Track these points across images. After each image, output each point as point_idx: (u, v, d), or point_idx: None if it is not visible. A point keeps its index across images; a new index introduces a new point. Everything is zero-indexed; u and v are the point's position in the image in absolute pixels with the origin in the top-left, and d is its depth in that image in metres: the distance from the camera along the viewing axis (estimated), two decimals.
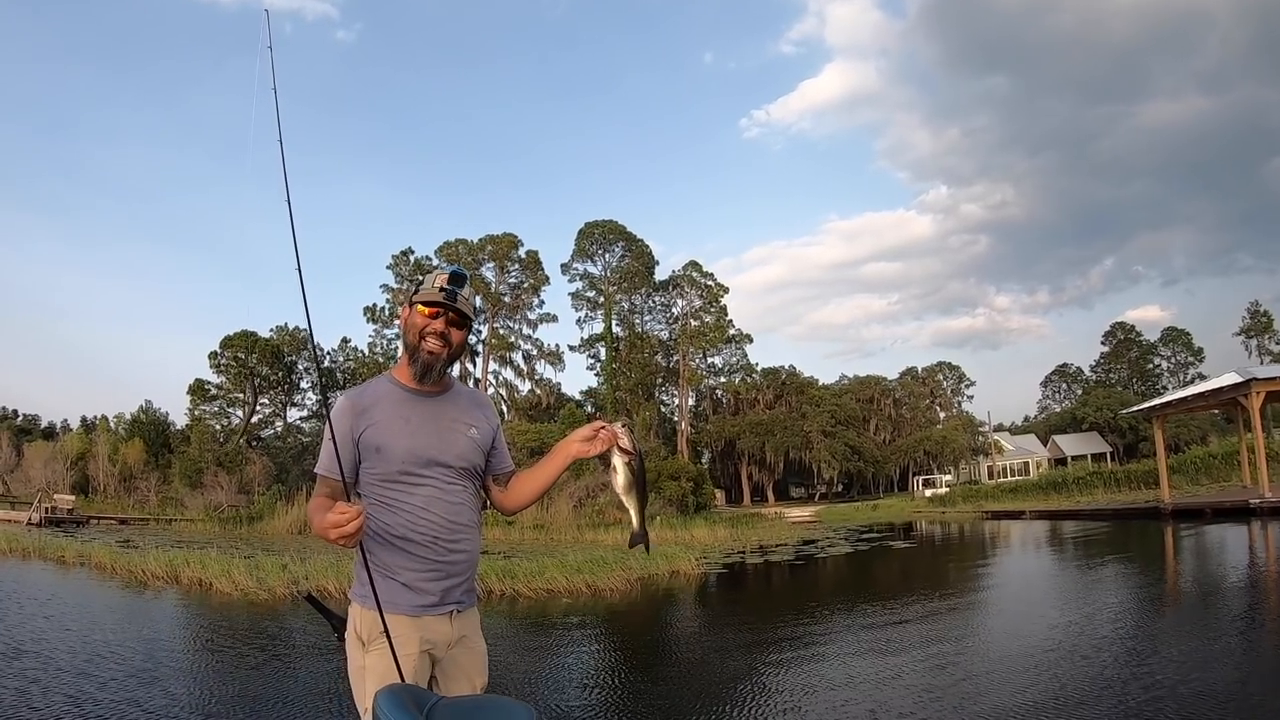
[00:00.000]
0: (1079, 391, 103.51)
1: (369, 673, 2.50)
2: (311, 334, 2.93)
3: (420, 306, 2.69)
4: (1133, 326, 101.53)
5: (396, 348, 65.15)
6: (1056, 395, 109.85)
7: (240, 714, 6.76)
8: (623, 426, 2.73)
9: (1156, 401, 34.45)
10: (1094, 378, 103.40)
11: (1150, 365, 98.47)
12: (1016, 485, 55.16)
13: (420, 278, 3.38)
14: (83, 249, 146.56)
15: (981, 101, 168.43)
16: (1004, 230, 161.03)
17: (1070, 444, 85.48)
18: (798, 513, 56.41)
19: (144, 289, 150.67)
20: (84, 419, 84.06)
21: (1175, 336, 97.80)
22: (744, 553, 25.85)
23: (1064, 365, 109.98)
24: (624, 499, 2.77)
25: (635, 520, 2.80)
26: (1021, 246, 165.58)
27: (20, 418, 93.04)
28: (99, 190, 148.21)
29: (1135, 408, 44.37)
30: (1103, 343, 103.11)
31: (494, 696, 2.18)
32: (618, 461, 2.70)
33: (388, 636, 2.45)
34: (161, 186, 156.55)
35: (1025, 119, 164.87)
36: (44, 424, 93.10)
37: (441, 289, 2.68)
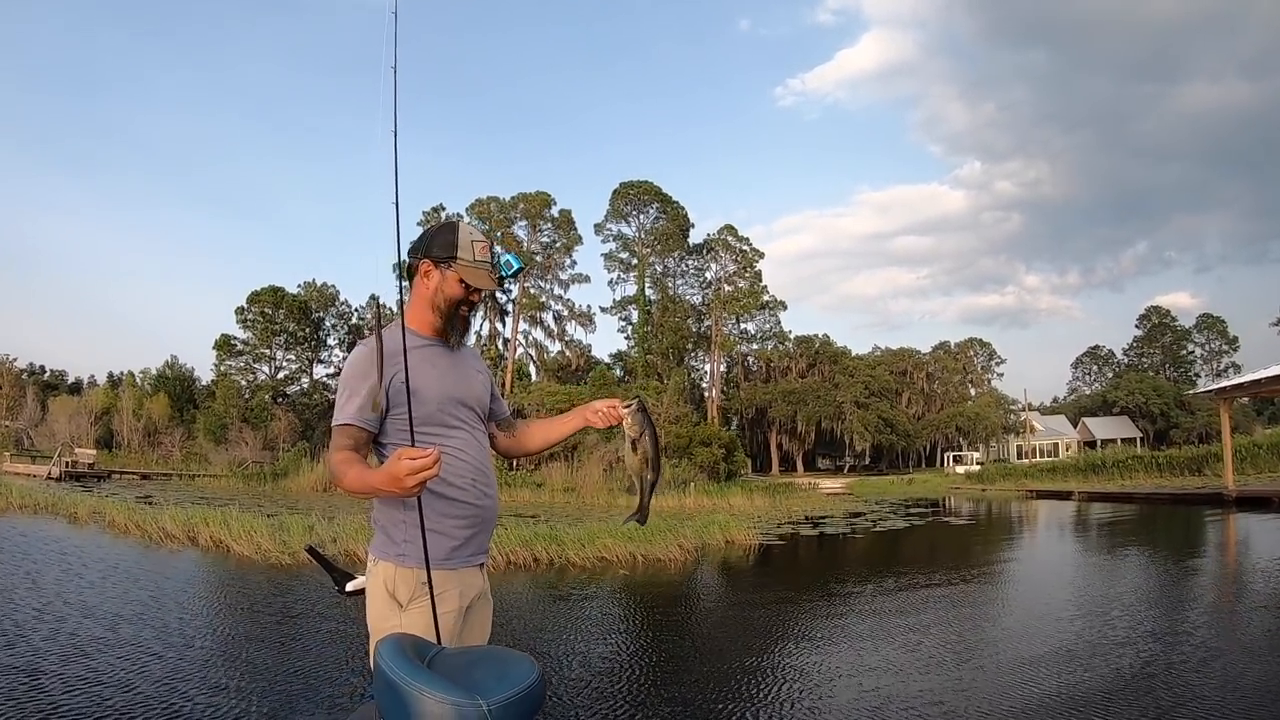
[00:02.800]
0: (1110, 374, 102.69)
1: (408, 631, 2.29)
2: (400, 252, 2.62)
3: (461, 279, 2.59)
4: (1168, 311, 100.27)
5: None
6: (1087, 377, 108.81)
7: (252, 686, 6.43)
8: (634, 409, 2.75)
9: (1226, 383, 32.87)
10: (1126, 361, 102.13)
11: (1184, 351, 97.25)
12: (1054, 465, 53.97)
13: (454, 221, 3.04)
14: (114, 208, 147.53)
15: (1019, 76, 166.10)
16: (1037, 208, 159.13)
17: (1100, 427, 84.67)
18: (829, 484, 54.99)
19: (173, 247, 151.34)
20: (110, 375, 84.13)
21: (1210, 324, 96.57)
22: (794, 523, 24.73)
23: (1095, 347, 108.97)
24: (633, 478, 2.84)
25: (640, 499, 2.85)
26: (1054, 226, 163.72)
27: (47, 373, 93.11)
28: (131, 151, 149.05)
29: (1205, 388, 42.94)
30: (1136, 326, 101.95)
31: (496, 648, 1.96)
32: (628, 442, 2.75)
33: (431, 594, 2.41)
34: (194, 147, 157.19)
35: (1063, 96, 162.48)
36: (70, 380, 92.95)
37: (490, 267, 2.66)
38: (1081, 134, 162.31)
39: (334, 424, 2.49)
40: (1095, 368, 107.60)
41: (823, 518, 27.28)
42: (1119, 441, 76.73)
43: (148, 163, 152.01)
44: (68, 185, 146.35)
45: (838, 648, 8.36)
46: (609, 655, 8.10)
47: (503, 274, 2.72)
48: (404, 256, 2.65)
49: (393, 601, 2.48)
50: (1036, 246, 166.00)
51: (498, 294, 61.81)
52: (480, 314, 61.90)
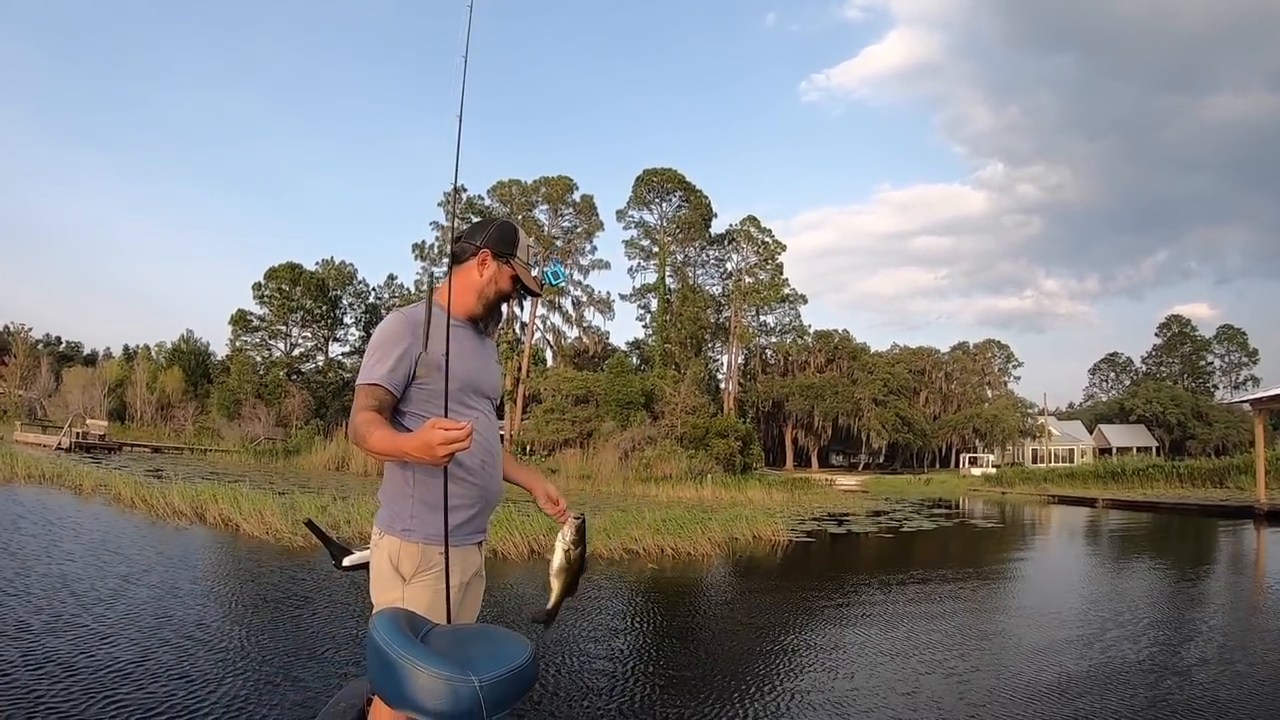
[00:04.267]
0: (1127, 382, 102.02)
1: (409, 605, 2.39)
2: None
3: (511, 272, 2.71)
4: (1188, 320, 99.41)
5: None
6: (1104, 384, 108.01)
7: (257, 674, 6.15)
8: (579, 524, 2.74)
9: (1265, 393, 31.88)
10: (1144, 369, 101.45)
11: (1203, 362, 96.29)
12: (1072, 471, 52.96)
13: (513, 222, 2.92)
14: (134, 184, 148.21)
15: (1045, 81, 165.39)
16: (1058, 213, 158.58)
17: (1117, 435, 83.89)
18: (845, 481, 54.29)
19: (192, 222, 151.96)
20: (126, 348, 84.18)
21: (1230, 335, 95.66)
22: (817, 519, 24.02)
23: (1114, 354, 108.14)
24: (551, 579, 2.74)
25: (552, 601, 2.75)
26: (1074, 231, 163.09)
27: (63, 344, 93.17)
28: (151, 127, 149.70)
29: (1246, 397, 42.29)
30: (1156, 335, 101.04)
31: (490, 626, 2.08)
32: (560, 546, 2.71)
33: (446, 570, 2.50)
34: (214, 125, 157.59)
35: (1088, 102, 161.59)
36: (86, 351, 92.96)
37: (539, 275, 2.84)
38: (1105, 141, 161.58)
39: (360, 383, 2.49)
40: (1113, 375, 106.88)
41: (845, 515, 26.66)
42: (1134, 450, 76.23)
43: (169, 139, 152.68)
44: (89, 159, 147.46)
45: (881, 651, 7.95)
46: (643, 650, 7.79)
47: (546, 280, 2.86)
48: (443, 242, 3.00)
49: (396, 575, 2.52)
50: (1056, 251, 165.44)
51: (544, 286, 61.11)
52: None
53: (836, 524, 23.19)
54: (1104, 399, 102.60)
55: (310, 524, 3.10)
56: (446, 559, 2.47)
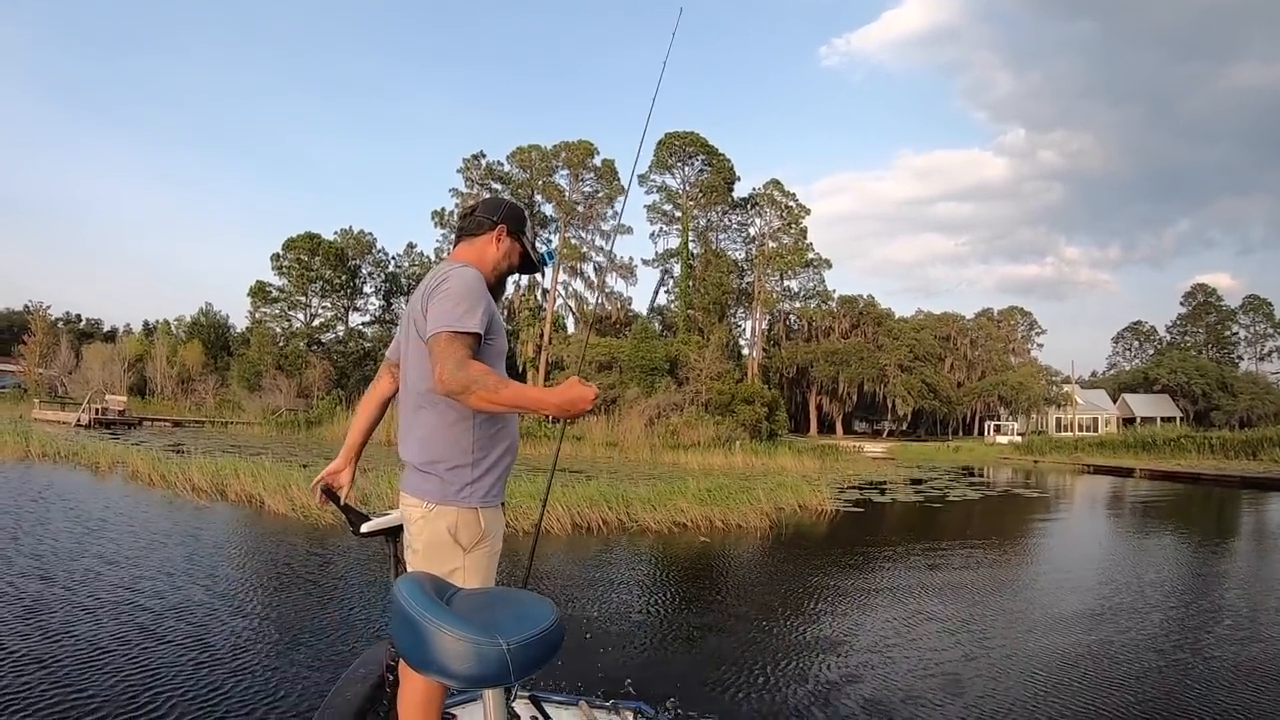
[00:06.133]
0: (1151, 351, 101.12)
1: (469, 574, 2.49)
2: None
3: (520, 249, 2.86)
4: (1214, 290, 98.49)
5: None
6: (1128, 353, 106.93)
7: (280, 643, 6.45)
8: None
9: None
10: (1168, 338, 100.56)
11: (1228, 332, 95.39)
12: (1102, 440, 52.55)
13: (521, 213, 2.90)
14: (150, 161, 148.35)
15: (1067, 47, 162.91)
16: (1080, 181, 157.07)
17: (1141, 404, 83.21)
18: (872, 448, 53.60)
19: (209, 196, 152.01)
20: (146, 323, 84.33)
21: (1256, 305, 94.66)
22: (857, 488, 23.36)
23: (1138, 323, 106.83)
24: None
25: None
26: (1096, 199, 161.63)
27: (83, 322, 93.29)
28: (166, 102, 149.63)
29: None
30: (1181, 304, 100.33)
31: (514, 590, 2.06)
32: None
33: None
34: (228, 97, 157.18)
35: (1111, 69, 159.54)
36: (106, 328, 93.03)
37: (541, 259, 3.01)
38: (1128, 109, 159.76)
39: (458, 330, 2.36)
40: (1137, 343, 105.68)
41: (883, 483, 26.17)
42: (1159, 420, 75.74)
43: (183, 114, 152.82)
44: (103, 138, 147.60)
45: (966, 623, 7.86)
46: (724, 629, 7.59)
47: (545, 261, 3.03)
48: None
49: (456, 547, 2.50)
50: (1077, 219, 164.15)
51: (537, 244, 59.77)
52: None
53: (879, 492, 22.78)
54: (1128, 368, 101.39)
55: (326, 490, 2.98)
56: (539, 526, 2.94)
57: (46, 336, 63.14)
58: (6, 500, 13.08)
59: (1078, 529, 17.38)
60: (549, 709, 3.07)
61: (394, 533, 2.82)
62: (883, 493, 22.67)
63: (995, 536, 15.08)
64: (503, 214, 2.81)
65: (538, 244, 2.99)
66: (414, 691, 2.37)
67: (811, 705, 5.53)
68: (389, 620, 1.67)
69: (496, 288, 2.79)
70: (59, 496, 13.93)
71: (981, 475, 33.51)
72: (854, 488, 23.51)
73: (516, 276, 3.27)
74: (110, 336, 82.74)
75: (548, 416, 2.58)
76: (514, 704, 2.93)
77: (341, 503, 2.94)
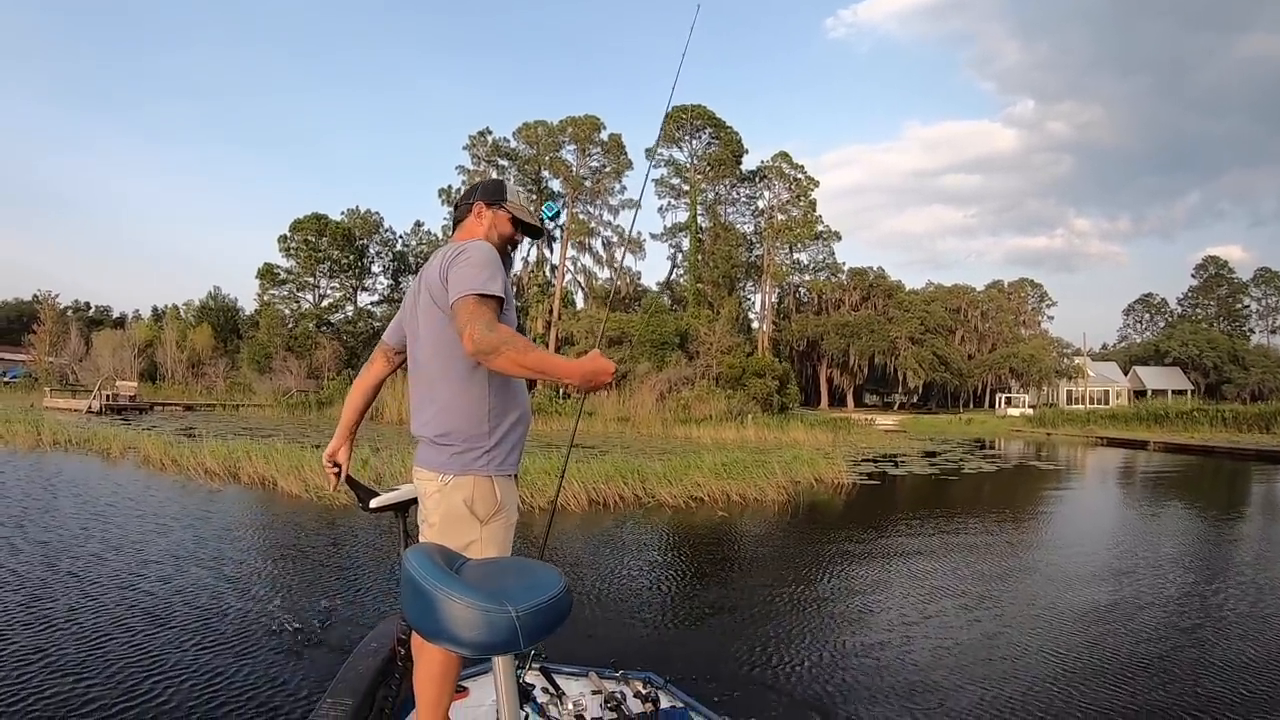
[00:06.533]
0: (1161, 324, 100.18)
1: (486, 546, 2.51)
2: None
3: (506, 215, 2.88)
4: (1225, 262, 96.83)
5: None
6: (1138, 325, 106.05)
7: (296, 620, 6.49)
8: None
9: None
10: (1179, 311, 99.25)
11: (1240, 305, 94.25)
12: (1114, 413, 52.73)
13: (500, 177, 2.18)
14: (154, 146, 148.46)
15: (1076, 17, 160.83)
16: (1089, 152, 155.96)
17: (1152, 377, 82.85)
18: (883, 420, 53.33)
19: (216, 181, 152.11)
20: (155, 309, 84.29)
21: (1269, 278, 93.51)
22: (873, 461, 23.23)
23: (1148, 295, 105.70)
24: None
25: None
26: (1106, 171, 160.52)
27: (92, 310, 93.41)
28: (168, 87, 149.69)
29: None
30: (1192, 276, 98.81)
31: (522, 559, 2.05)
32: None
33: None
34: (230, 82, 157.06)
35: (1121, 39, 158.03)
36: (115, 315, 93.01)
37: (542, 221, 3.02)
38: (1138, 80, 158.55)
39: (483, 293, 2.38)
40: (1148, 316, 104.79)
41: (897, 456, 26.11)
42: (1170, 393, 75.54)
43: (185, 99, 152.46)
44: (107, 124, 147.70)
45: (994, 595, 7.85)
46: (742, 604, 7.47)
47: (544, 216, 3.03)
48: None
49: (473, 518, 2.52)
50: (1087, 190, 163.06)
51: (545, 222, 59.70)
52: (527, 240, 59.89)
53: (893, 465, 22.74)
54: (1139, 341, 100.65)
55: (335, 465, 2.99)
56: (558, 497, 3.40)
57: (56, 325, 63.01)
58: (15, 489, 12.97)
59: (1094, 502, 17.22)
60: (559, 680, 3.12)
61: (403, 508, 2.88)
62: (897, 465, 22.59)
63: (1012, 509, 14.97)
64: (478, 193, 2.90)
65: (532, 206, 3.01)
66: (430, 663, 2.46)
67: (828, 680, 5.44)
68: (399, 593, 1.69)
69: (503, 261, 2.74)
70: (68, 484, 13.84)
71: (994, 448, 33.37)
72: (868, 460, 23.39)
73: (526, 252, 3.42)
74: (120, 323, 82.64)
75: (564, 390, 2.57)
76: (525, 675, 2.95)
77: (350, 479, 2.98)
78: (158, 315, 78.20)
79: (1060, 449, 34.14)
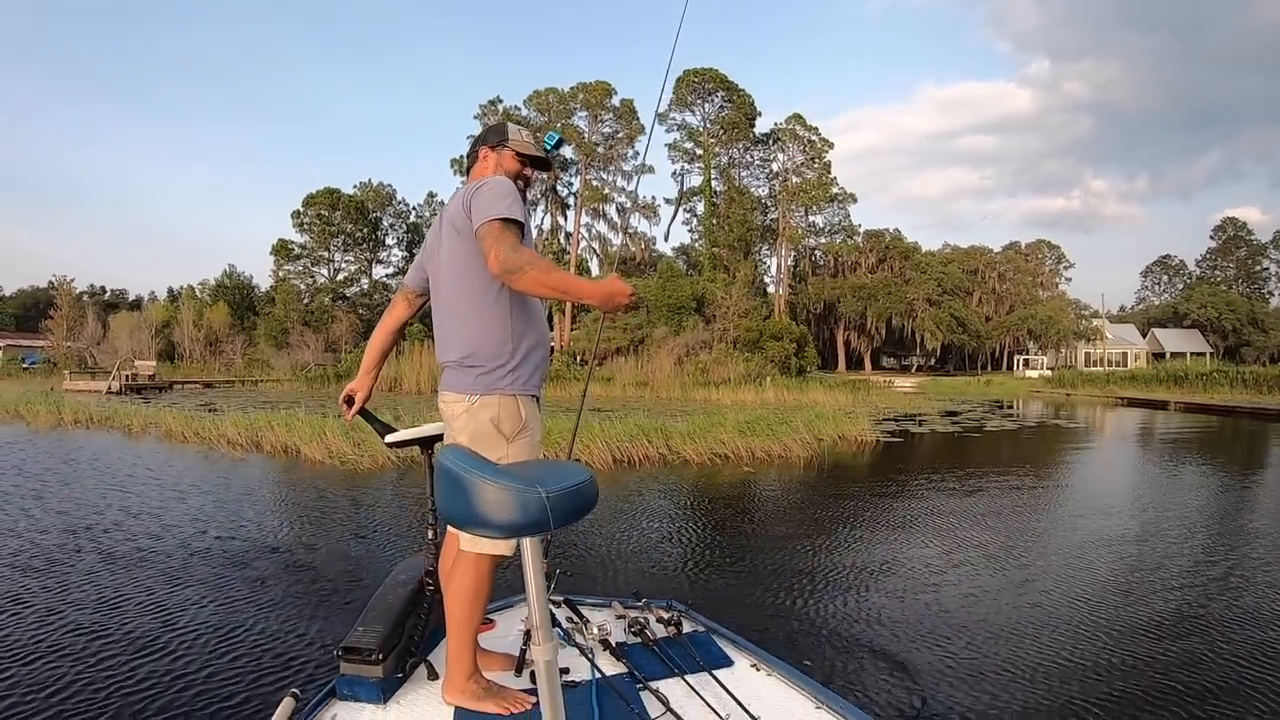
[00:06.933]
0: (1180, 286, 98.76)
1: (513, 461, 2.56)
2: None
3: (510, 153, 2.93)
4: (1244, 224, 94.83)
5: None
6: (1156, 287, 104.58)
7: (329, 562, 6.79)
8: None
9: None
10: (1198, 273, 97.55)
11: (1259, 267, 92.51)
12: (1134, 374, 51.55)
13: (498, 127, 3.01)
14: (163, 129, 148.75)
15: None
16: (1107, 112, 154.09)
17: (1170, 339, 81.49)
18: (902, 382, 53.05)
19: (227, 160, 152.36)
20: (170, 290, 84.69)
21: None
22: (894, 420, 23.06)
23: (1166, 257, 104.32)
24: None
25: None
26: (1124, 131, 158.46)
27: (108, 293, 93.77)
28: (174, 70, 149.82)
29: None
30: (1211, 237, 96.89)
31: (550, 459, 2.18)
32: None
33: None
34: (235, 60, 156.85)
35: None
36: (131, 297, 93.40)
37: (546, 151, 3.03)
38: (1158, 38, 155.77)
39: (506, 217, 2.46)
40: (1165, 278, 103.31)
41: (917, 415, 25.97)
42: (1188, 355, 73.89)
43: (194, 81, 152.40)
44: (117, 109, 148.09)
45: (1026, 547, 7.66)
46: (769, 553, 7.36)
47: (546, 146, 3.01)
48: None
49: (499, 436, 2.59)
50: (1105, 151, 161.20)
51: (558, 187, 60.36)
52: (541, 208, 60.28)
53: (916, 424, 22.56)
54: (1156, 303, 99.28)
55: (348, 401, 3.10)
56: (582, 410, 3.32)
57: (72, 310, 63.25)
58: (35, 464, 12.96)
59: (1116, 459, 16.97)
60: (584, 610, 3.26)
61: (427, 443, 2.99)
62: (919, 424, 22.43)
63: (1035, 465, 14.73)
64: (479, 140, 3.02)
65: (531, 139, 3.04)
66: (461, 583, 2.55)
67: (855, 621, 5.39)
68: (435, 489, 1.72)
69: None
70: (89, 458, 13.81)
71: (1013, 408, 33.12)
72: (890, 419, 23.24)
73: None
74: (136, 305, 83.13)
75: (576, 358, 2.50)
76: (551, 607, 2.99)
77: (365, 412, 3.11)
78: (173, 296, 78.49)
79: (1080, 409, 33.81)
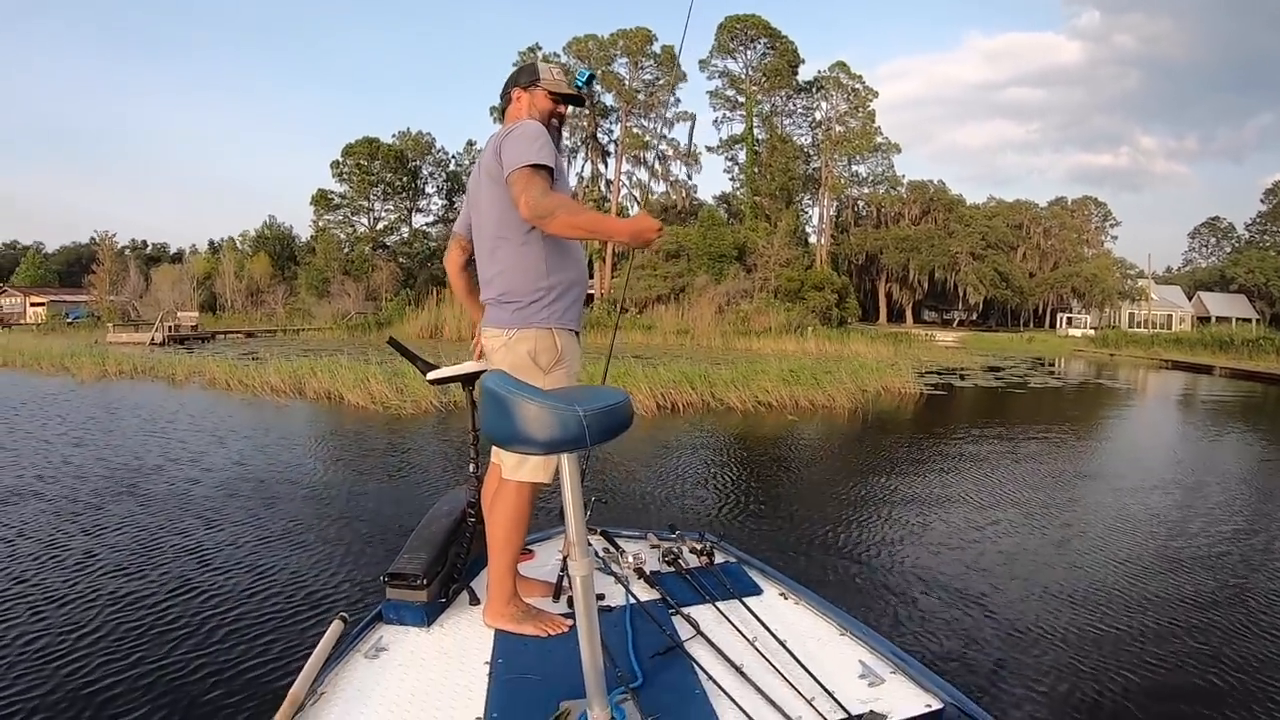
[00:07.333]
0: (1228, 249, 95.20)
1: None
2: None
3: (543, 92, 2.96)
4: None
5: None
6: (1204, 249, 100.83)
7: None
8: None
9: None
10: (1247, 236, 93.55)
11: None
12: (1179, 337, 50.21)
13: (529, 68, 3.06)
14: (203, 82, 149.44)
15: None
16: (1158, 67, 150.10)
17: (1216, 303, 78.89)
18: (943, 336, 52.33)
19: (266, 111, 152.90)
20: (211, 242, 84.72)
21: None
22: (936, 373, 22.81)
23: (1215, 219, 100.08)
24: None
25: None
26: (1174, 87, 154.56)
27: (149, 247, 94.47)
28: (216, 25, 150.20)
29: None
30: (1262, 201, 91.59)
31: (588, 385, 2.18)
32: None
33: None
34: (279, 15, 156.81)
35: None
36: (173, 250, 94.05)
37: (578, 89, 3.05)
38: None
39: (536, 163, 2.53)
40: (1214, 240, 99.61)
41: (959, 369, 25.69)
42: (1234, 321, 71.50)
43: (230, 32, 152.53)
44: (157, 64, 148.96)
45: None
46: (813, 499, 7.34)
47: (578, 84, 3.06)
48: None
49: (536, 368, 2.70)
50: (1154, 108, 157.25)
51: (599, 135, 59.49)
52: (581, 155, 59.64)
53: (959, 378, 22.29)
54: (1204, 265, 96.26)
55: (393, 341, 3.35)
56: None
57: (114, 264, 63.77)
58: (78, 413, 12.96)
59: (1160, 420, 16.51)
60: (619, 541, 3.38)
61: (469, 380, 3.11)
62: (962, 379, 22.15)
63: (1077, 423, 14.41)
64: (510, 81, 3.05)
65: (562, 76, 3.07)
66: (503, 506, 2.66)
67: (891, 568, 5.35)
68: (479, 417, 1.88)
69: (552, 137, 2.85)
70: (131, 407, 13.82)
71: (1055, 366, 32.33)
72: (932, 373, 22.98)
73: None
74: (177, 258, 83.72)
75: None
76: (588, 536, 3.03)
77: (408, 353, 3.33)
78: (214, 248, 78.84)
79: (1124, 370, 33.01)
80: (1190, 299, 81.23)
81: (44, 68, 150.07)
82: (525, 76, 3.01)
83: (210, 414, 12.55)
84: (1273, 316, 76.44)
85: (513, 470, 2.63)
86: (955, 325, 72.50)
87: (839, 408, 13.63)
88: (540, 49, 59.83)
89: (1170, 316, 74.11)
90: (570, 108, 3.08)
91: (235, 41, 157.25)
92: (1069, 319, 69.89)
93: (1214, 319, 73.01)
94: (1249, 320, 73.47)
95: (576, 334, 2.87)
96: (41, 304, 66.92)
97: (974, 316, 75.93)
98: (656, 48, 58.99)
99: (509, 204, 2.63)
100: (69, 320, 57.14)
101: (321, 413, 12.79)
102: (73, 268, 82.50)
